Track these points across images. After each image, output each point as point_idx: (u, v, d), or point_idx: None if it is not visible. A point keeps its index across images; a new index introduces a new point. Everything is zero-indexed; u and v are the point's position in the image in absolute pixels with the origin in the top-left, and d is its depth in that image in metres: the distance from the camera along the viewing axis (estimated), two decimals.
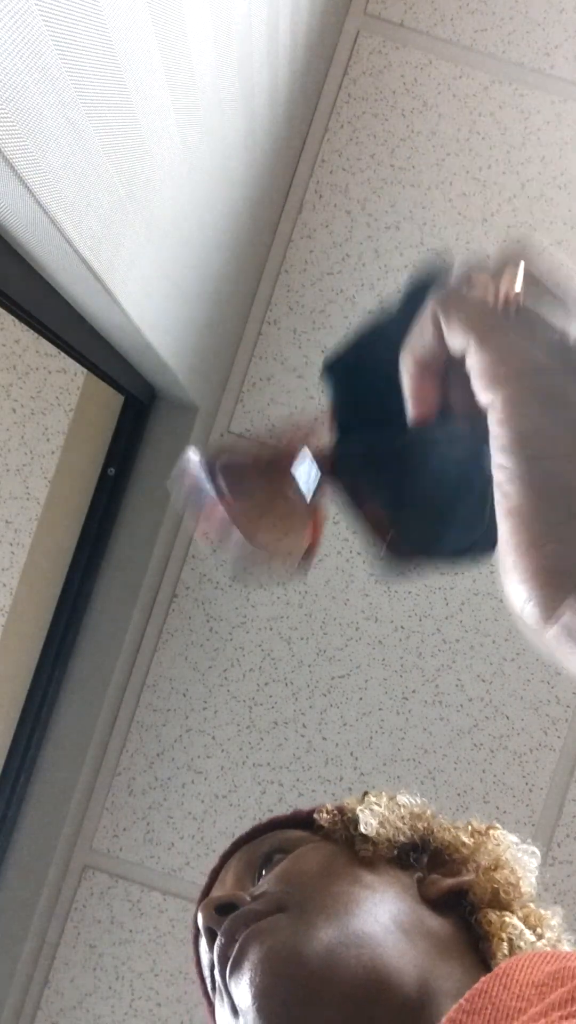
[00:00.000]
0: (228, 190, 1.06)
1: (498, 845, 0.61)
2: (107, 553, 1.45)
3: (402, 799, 0.64)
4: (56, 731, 1.46)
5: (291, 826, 0.66)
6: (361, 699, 1.50)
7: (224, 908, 0.55)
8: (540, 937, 0.56)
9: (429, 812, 0.64)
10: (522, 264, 0.36)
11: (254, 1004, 0.48)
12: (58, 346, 0.98)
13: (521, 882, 0.59)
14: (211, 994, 0.56)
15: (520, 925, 0.55)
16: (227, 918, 0.54)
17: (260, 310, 1.55)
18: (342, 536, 1.51)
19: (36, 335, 0.94)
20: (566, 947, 0.57)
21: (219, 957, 0.52)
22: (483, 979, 0.43)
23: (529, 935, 0.55)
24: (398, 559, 0.40)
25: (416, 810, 0.64)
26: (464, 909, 0.57)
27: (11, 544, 1.44)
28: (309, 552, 0.43)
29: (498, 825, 0.64)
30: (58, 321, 0.90)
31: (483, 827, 0.63)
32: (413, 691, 1.50)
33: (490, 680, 1.50)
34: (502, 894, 0.57)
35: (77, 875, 1.50)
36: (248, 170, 1.14)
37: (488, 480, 0.34)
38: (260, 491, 0.42)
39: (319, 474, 0.40)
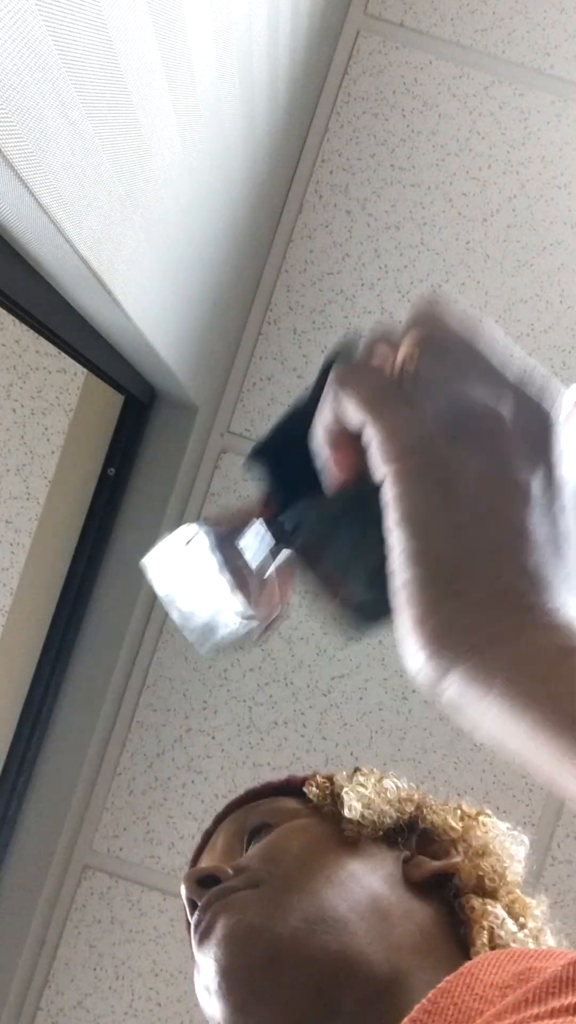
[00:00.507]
0: (228, 190, 1.06)
1: (487, 832, 0.61)
2: (107, 553, 1.45)
3: (388, 782, 0.64)
4: (56, 731, 1.46)
5: (284, 793, 0.66)
6: (361, 699, 1.50)
7: (205, 881, 0.56)
8: (522, 927, 0.56)
9: (418, 794, 0.64)
10: (414, 331, 0.36)
11: (215, 978, 0.49)
12: (58, 346, 0.98)
13: (507, 870, 0.59)
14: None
15: (503, 914, 0.55)
16: (207, 891, 0.54)
17: (260, 310, 1.55)
18: None
19: (36, 335, 0.94)
20: (548, 937, 0.57)
21: (196, 928, 0.53)
22: (447, 979, 0.43)
23: (511, 925, 0.55)
24: (354, 616, 0.42)
25: (404, 792, 0.64)
26: (448, 892, 0.57)
27: (11, 544, 1.44)
28: (274, 621, 0.46)
29: (489, 812, 0.64)
30: (58, 321, 0.90)
31: (473, 811, 0.63)
32: (413, 691, 1.50)
33: None
34: (487, 881, 0.57)
35: (77, 875, 1.50)
36: (248, 170, 1.14)
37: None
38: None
39: (268, 544, 0.42)
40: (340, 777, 0.65)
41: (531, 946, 0.54)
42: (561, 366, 1.52)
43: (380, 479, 0.35)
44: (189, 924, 0.59)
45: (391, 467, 0.34)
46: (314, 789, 0.63)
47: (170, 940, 1.49)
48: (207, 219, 1.01)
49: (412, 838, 0.60)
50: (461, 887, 0.57)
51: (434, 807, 0.63)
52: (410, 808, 0.62)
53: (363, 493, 0.38)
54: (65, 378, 1.44)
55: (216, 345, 1.38)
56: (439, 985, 0.42)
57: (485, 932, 0.53)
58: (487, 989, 0.41)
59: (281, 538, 0.42)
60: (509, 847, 0.61)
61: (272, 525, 0.43)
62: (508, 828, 0.63)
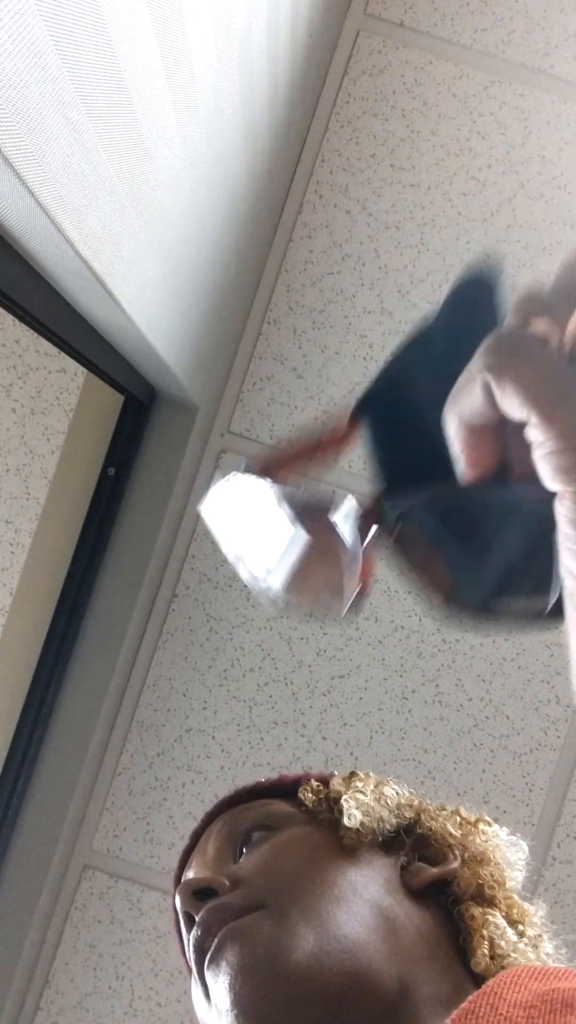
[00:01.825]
0: (228, 190, 1.06)
1: (487, 840, 0.60)
2: (107, 553, 1.45)
3: (388, 789, 0.63)
4: (56, 731, 1.46)
5: (276, 794, 0.64)
6: (361, 699, 1.50)
7: (202, 893, 0.54)
8: (522, 935, 0.55)
9: (417, 800, 0.63)
10: None
11: (232, 1009, 0.48)
12: (58, 346, 0.98)
13: (506, 878, 0.58)
14: (190, 966, 0.55)
15: (503, 923, 0.54)
16: (205, 905, 0.53)
17: (260, 310, 1.55)
18: None
19: (36, 335, 0.94)
20: (547, 944, 0.56)
21: (196, 948, 0.51)
22: (470, 998, 0.42)
23: (511, 933, 0.54)
24: (456, 613, 0.38)
25: (403, 799, 0.63)
26: (446, 899, 0.56)
27: (11, 544, 1.44)
28: (359, 598, 0.40)
29: (488, 819, 0.63)
30: (58, 321, 0.90)
31: (472, 818, 0.62)
32: (413, 691, 1.50)
33: (490, 680, 1.50)
34: (487, 889, 0.56)
35: (77, 875, 1.50)
36: (248, 170, 1.14)
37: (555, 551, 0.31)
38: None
39: (361, 522, 0.37)
40: (336, 782, 0.63)
41: (531, 954, 0.54)
42: None
43: (553, 490, 0.29)
44: (180, 931, 0.57)
45: (574, 485, 0.28)
46: (310, 795, 0.62)
47: (170, 940, 1.49)
48: (207, 219, 1.01)
49: (408, 843, 0.59)
50: (460, 894, 0.56)
51: (432, 813, 0.62)
52: (409, 814, 0.61)
53: (503, 497, 0.33)
54: (65, 378, 1.44)
55: (216, 345, 1.38)
56: (463, 1005, 0.41)
57: (486, 942, 0.52)
58: (511, 1009, 0.40)
59: (382, 521, 0.36)
60: (508, 854, 0.60)
61: (375, 506, 0.37)
62: (507, 834, 0.62)
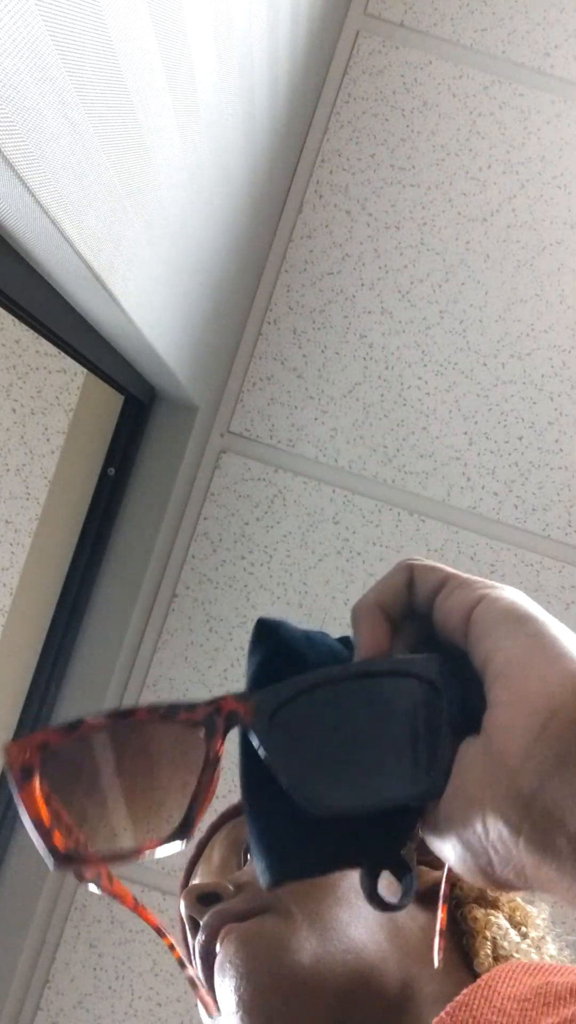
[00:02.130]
0: (228, 190, 1.06)
1: None
2: (107, 553, 1.45)
3: None
4: None
5: None
6: None
7: (206, 898, 0.54)
8: (525, 937, 0.55)
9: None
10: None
11: (237, 1011, 0.48)
12: (58, 346, 0.98)
13: None
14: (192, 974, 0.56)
15: (505, 924, 0.54)
16: (209, 910, 0.53)
17: (260, 310, 1.55)
18: (342, 536, 1.51)
19: (36, 335, 0.94)
20: (550, 946, 0.56)
21: (202, 953, 0.52)
22: (465, 991, 0.42)
23: (514, 935, 0.54)
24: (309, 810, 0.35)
25: None
26: (450, 902, 0.56)
27: (11, 544, 1.44)
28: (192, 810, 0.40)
29: None
30: (58, 321, 0.90)
31: None
32: None
33: None
34: (489, 892, 0.57)
35: None
36: (248, 170, 1.14)
37: (438, 724, 0.32)
38: None
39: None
40: None
41: (534, 955, 0.54)
42: (561, 366, 1.52)
43: (462, 636, 0.33)
44: (186, 938, 0.58)
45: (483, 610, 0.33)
46: None
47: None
48: (207, 219, 1.01)
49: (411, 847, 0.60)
50: (462, 897, 0.56)
51: None
52: None
53: (383, 668, 0.34)
54: (65, 378, 1.44)
55: (216, 345, 1.38)
56: (457, 998, 0.42)
57: (488, 943, 0.53)
58: (505, 1002, 0.41)
59: (257, 714, 0.37)
60: None
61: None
62: None
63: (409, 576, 0.37)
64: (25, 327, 0.89)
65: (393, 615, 0.37)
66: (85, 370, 1.32)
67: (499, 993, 0.41)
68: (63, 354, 1.04)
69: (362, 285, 1.54)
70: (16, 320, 0.85)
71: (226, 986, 0.49)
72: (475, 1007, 0.41)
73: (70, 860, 0.32)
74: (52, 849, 0.32)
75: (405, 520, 1.51)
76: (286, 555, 1.52)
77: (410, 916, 0.54)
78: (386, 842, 0.35)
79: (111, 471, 1.42)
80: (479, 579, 0.35)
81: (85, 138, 0.59)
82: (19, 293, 0.77)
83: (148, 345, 0.99)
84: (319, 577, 1.51)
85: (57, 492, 1.43)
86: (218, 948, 0.51)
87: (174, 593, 1.52)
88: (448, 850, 0.32)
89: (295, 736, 0.35)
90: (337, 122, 1.55)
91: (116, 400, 1.40)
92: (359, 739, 0.34)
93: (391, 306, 1.54)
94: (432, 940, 0.52)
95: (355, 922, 0.51)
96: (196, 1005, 1.31)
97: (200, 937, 0.52)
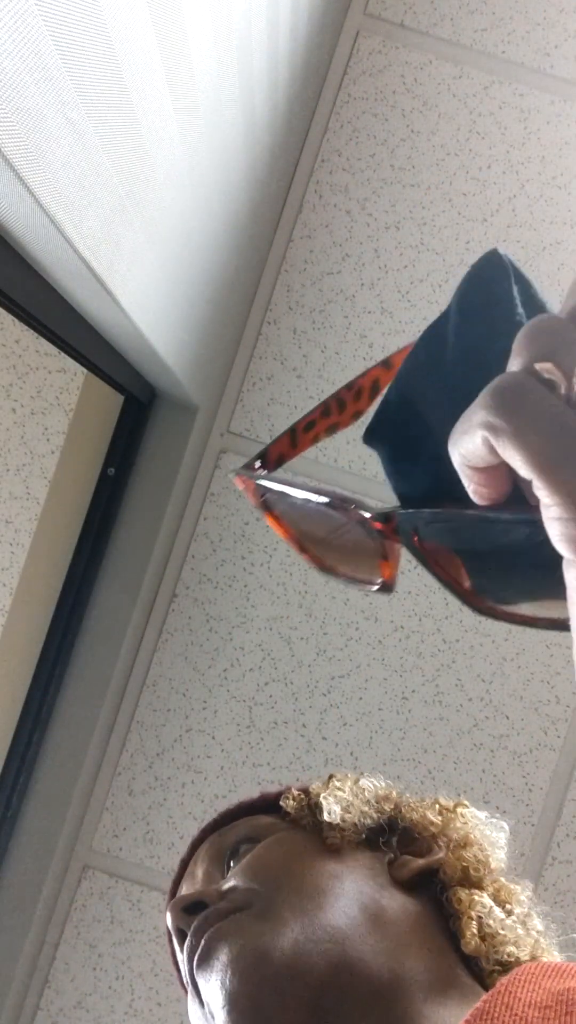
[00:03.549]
0: (228, 190, 1.06)
1: (466, 823, 0.61)
2: (107, 553, 1.45)
3: (365, 782, 0.64)
4: (56, 731, 1.46)
5: (259, 810, 0.65)
6: (361, 699, 1.50)
7: (192, 907, 0.55)
8: (509, 913, 0.56)
9: (395, 793, 0.64)
10: None
11: (225, 1007, 0.49)
12: (58, 346, 0.98)
13: (490, 858, 0.59)
14: (183, 980, 0.56)
15: (489, 903, 0.55)
16: (196, 917, 0.53)
17: (260, 310, 1.55)
18: None
19: (36, 335, 0.94)
20: (536, 921, 0.57)
21: (188, 956, 0.52)
22: (485, 998, 0.42)
23: (498, 912, 0.55)
24: (476, 605, 0.36)
25: (381, 792, 0.63)
26: (435, 887, 0.57)
27: (11, 544, 1.45)
28: (385, 585, 0.39)
29: (466, 802, 0.64)
30: (58, 321, 0.90)
31: (451, 804, 0.63)
32: (413, 691, 1.50)
33: (490, 680, 1.50)
34: (472, 872, 0.57)
35: (77, 875, 1.50)
36: (248, 170, 1.14)
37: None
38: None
39: (379, 531, 0.35)
40: (316, 787, 0.64)
41: (520, 931, 0.55)
42: None
43: (570, 559, 0.27)
44: (174, 953, 0.58)
45: None
46: (291, 802, 0.63)
47: None
48: (207, 219, 1.01)
49: (393, 839, 0.60)
50: (447, 881, 0.57)
51: (412, 804, 0.63)
52: (388, 807, 0.62)
53: (516, 527, 0.30)
54: (65, 378, 1.44)
55: (216, 345, 1.38)
56: (477, 1006, 0.41)
57: (474, 922, 0.53)
58: (526, 1009, 0.40)
59: (399, 532, 0.35)
60: (490, 835, 0.61)
61: (392, 519, 0.35)
62: (487, 817, 0.63)
63: (490, 447, 0.28)
64: (25, 327, 0.89)
65: (492, 468, 0.29)
66: (85, 370, 1.32)
67: (520, 1000, 0.41)
68: (63, 354, 1.04)
69: (362, 285, 1.54)
70: (16, 320, 0.85)
71: (212, 983, 0.50)
72: (496, 1016, 0.40)
73: None
74: None
75: None
76: (286, 555, 1.52)
77: (396, 907, 0.54)
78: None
79: (111, 471, 1.42)
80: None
81: (85, 138, 0.59)
82: (19, 293, 0.77)
83: (148, 345, 0.99)
84: (319, 577, 1.51)
85: (57, 492, 1.43)
86: (201, 946, 0.51)
87: (174, 593, 1.52)
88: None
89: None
90: (337, 122, 1.55)
91: (116, 400, 1.40)
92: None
93: (391, 306, 1.54)
94: (419, 926, 0.53)
95: (337, 912, 0.51)
96: None
97: (188, 941, 0.53)
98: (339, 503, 0.36)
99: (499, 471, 0.29)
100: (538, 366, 0.27)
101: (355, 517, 0.35)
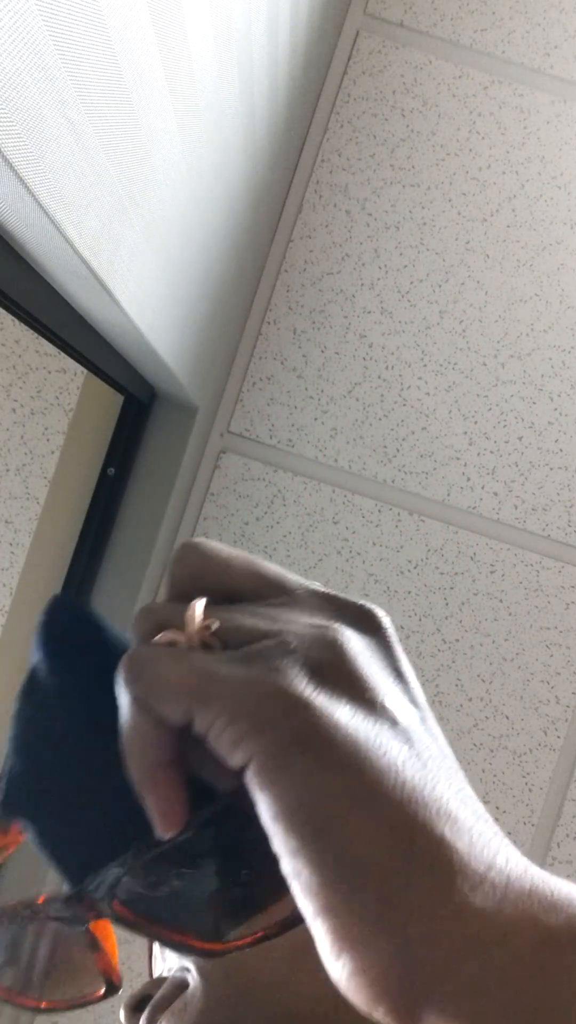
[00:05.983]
0: (228, 190, 1.06)
1: None
2: (107, 553, 1.45)
3: None
4: None
5: None
6: None
7: (139, 1005, 0.55)
8: None
9: None
10: (180, 581, 0.30)
11: None
12: (58, 346, 0.98)
13: None
14: None
15: None
16: (142, 1015, 0.54)
17: (260, 310, 1.55)
18: (342, 536, 1.51)
19: (36, 335, 0.94)
20: None
21: None
22: None
23: None
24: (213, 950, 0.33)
25: None
26: None
27: (11, 544, 1.45)
28: (111, 985, 0.39)
29: None
30: (58, 321, 0.90)
31: None
32: None
33: (490, 680, 1.50)
34: None
35: None
36: (248, 170, 1.14)
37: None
38: None
39: (77, 912, 0.35)
40: None
41: None
42: (561, 366, 1.52)
43: (237, 767, 0.27)
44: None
45: (251, 746, 0.26)
46: None
47: None
48: (207, 219, 1.01)
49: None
50: None
51: None
52: None
53: (211, 823, 0.30)
54: (65, 378, 1.44)
55: (216, 345, 1.38)
56: None
57: None
58: None
59: (96, 907, 0.33)
60: None
61: (83, 896, 0.33)
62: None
63: (141, 707, 0.29)
64: (25, 327, 0.89)
65: (166, 763, 0.30)
66: (85, 370, 1.32)
67: None
68: (63, 354, 1.04)
69: (362, 285, 1.54)
70: (16, 320, 0.85)
71: None
72: None
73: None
74: None
75: (405, 520, 1.51)
76: (286, 555, 1.52)
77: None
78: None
79: (111, 471, 1.42)
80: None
81: (85, 138, 0.59)
82: (19, 293, 0.77)
83: (148, 345, 0.99)
84: (319, 577, 1.51)
85: (57, 492, 1.43)
86: None
87: None
88: None
89: None
90: (337, 122, 1.55)
91: (116, 400, 1.40)
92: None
93: (391, 306, 1.54)
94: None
95: (266, 965, 0.50)
96: None
97: None
98: (13, 912, 0.34)
99: (173, 776, 0.29)
100: (153, 636, 0.30)
101: (47, 914, 0.34)
